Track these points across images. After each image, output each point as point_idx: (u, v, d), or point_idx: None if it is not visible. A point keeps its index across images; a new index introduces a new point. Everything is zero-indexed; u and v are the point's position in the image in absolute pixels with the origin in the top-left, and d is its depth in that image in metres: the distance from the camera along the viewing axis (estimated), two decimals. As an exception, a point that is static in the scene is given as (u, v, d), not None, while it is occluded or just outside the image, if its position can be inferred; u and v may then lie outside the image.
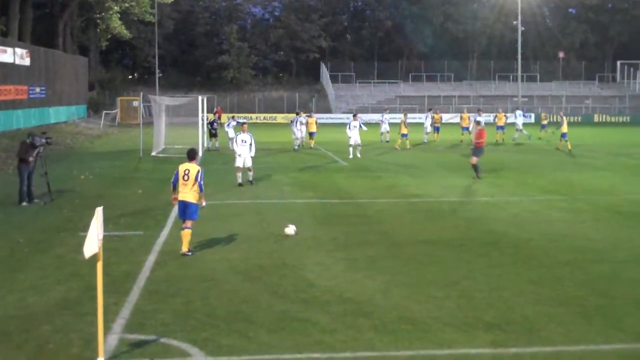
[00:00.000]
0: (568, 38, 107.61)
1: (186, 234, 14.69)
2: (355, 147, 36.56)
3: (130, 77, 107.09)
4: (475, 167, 27.65)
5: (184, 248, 14.63)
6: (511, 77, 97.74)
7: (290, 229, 16.61)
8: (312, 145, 44.01)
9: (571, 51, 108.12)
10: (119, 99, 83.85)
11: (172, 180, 15.24)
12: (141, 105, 59.34)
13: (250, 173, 26.21)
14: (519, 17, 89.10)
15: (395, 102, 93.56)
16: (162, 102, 44.34)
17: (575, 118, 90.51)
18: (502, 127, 47.47)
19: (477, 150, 27.97)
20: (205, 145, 42.01)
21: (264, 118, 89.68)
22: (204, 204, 15.26)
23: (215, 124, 43.33)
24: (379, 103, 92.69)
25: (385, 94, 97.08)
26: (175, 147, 40.26)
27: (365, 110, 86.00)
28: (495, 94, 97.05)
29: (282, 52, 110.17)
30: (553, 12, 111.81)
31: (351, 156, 36.09)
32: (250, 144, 25.89)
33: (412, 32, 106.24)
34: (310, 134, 44.90)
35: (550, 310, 11.05)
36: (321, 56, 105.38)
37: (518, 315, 10.78)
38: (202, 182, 15.00)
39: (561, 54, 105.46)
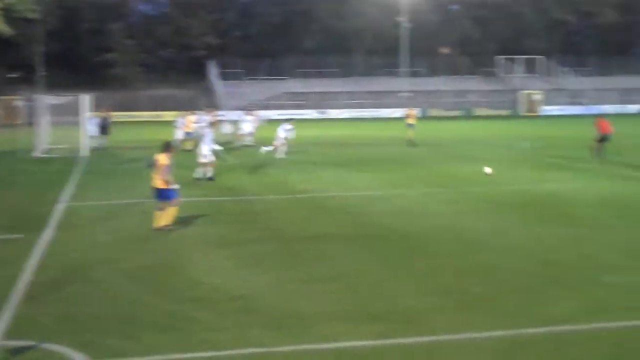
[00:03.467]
0: (451, 34, 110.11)
1: (170, 211, 16.64)
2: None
3: (11, 76, 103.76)
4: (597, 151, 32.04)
5: (164, 222, 16.53)
6: (396, 72, 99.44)
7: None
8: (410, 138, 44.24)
9: (454, 47, 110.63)
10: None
11: (147, 163, 17.58)
12: (23, 105, 57.62)
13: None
14: (403, 14, 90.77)
15: (284, 98, 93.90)
16: (45, 101, 43.14)
17: (458, 112, 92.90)
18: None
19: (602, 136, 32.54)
20: (94, 144, 41.14)
21: (150, 116, 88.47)
22: (175, 186, 17.00)
23: (105, 123, 42.45)
24: (267, 99, 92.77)
25: (273, 91, 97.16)
26: (59, 147, 39.30)
27: (254, 107, 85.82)
28: (381, 90, 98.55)
29: (169, 49, 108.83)
30: (436, 8, 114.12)
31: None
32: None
33: (300, 28, 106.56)
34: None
35: (433, 300, 11.32)
36: (209, 53, 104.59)
37: (402, 306, 11.01)
38: (165, 174, 16.59)
39: (444, 50, 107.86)
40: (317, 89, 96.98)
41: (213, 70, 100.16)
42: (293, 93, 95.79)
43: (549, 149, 38.42)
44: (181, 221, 17.63)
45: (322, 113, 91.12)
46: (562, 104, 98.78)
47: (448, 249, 14.83)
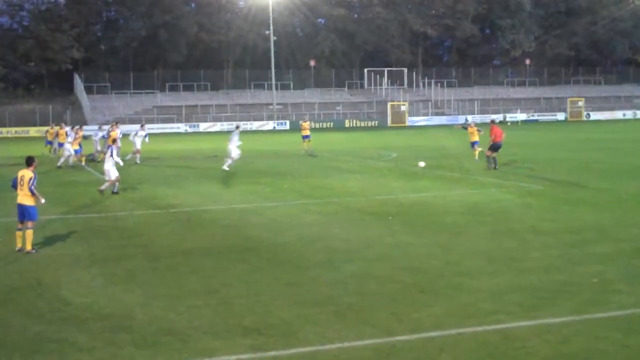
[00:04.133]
0: (318, 47, 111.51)
1: (29, 234, 15.99)
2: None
3: None
4: (490, 159, 32.06)
5: (28, 246, 15.98)
6: (266, 85, 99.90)
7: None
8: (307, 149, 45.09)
9: (322, 59, 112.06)
10: None
11: (11, 184, 16.73)
12: None
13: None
14: (271, 27, 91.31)
15: (153, 112, 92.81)
16: None
17: (328, 124, 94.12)
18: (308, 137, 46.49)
19: (494, 145, 32.10)
20: None
21: (16, 132, 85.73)
22: (42, 201, 16.56)
23: None
24: (136, 114, 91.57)
25: (142, 104, 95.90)
26: None
27: (122, 121, 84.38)
28: (251, 103, 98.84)
29: (32, 64, 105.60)
30: (303, 22, 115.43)
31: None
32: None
33: (167, 41, 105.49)
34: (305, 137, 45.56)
35: (306, 311, 11.44)
36: (75, 67, 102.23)
37: (276, 319, 11.07)
38: (32, 187, 16.16)
39: (312, 62, 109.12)
40: (187, 103, 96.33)
41: (79, 84, 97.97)
42: (162, 107, 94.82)
43: (415, 159, 39.32)
44: (48, 239, 17.21)
45: (193, 127, 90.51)
46: (427, 115, 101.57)
47: (320, 260, 15.00)
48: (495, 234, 17.64)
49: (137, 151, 40.75)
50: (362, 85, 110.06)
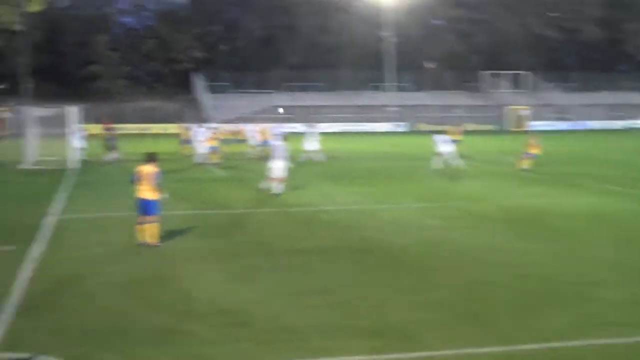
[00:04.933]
0: (436, 49, 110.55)
1: (153, 227, 16.41)
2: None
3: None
4: None
5: (152, 240, 16.39)
6: (383, 87, 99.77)
7: None
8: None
9: (440, 61, 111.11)
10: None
11: (130, 178, 17.10)
12: (10, 116, 57.37)
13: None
14: (389, 29, 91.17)
15: (272, 111, 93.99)
16: (32, 113, 42.99)
17: (446, 127, 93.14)
18: None
19: None
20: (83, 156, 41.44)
21: (138, 129, 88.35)
22: (166, 196, 17.12)
23: (111, 137, 42.48)
24: (254, 113, 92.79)
25: (261, 104, 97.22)
26: (48, 159, 39.19)
27: (242, 120, 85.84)
28: (368, 104, 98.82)
29: (155, 63, 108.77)
30: (421, 23, 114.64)
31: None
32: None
33: (285, 42, 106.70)
34: None
35: (425, 315, 11.33)
36: (196, 66, 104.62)
37: (395, 321, 11.01)
38: (157, 182, 16.60)
39: (430, 64, 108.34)
40: (304, 103, 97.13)
41: (199, 83, 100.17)
42: (280, 106, 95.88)
43: (537, 165, 38.55)
44: (171, 234, 17.62)
45: (310, 127, 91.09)
46: (548, 120, 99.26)
47: (440, 264, 14.85)
48: (620, 242, 17.09)
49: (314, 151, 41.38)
50: (479, 89, 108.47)
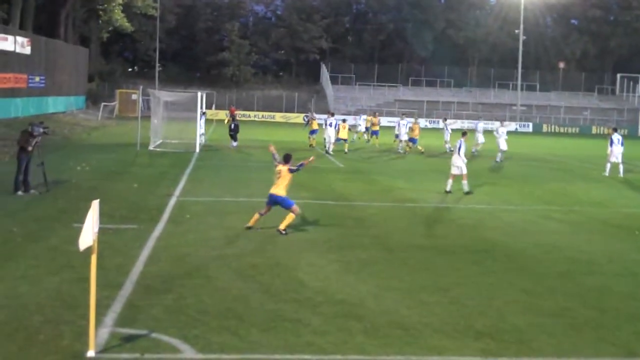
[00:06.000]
0: (569, 48, 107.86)
1: (290, 217, 16.77)
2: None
3: (130, 69, 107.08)
4: None
5: (282, 226, 16.75)
6: (511, 85, 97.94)
7: None
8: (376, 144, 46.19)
9: (571, 62, 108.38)
10: (117, 91, 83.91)
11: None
12: (140, 99, 59.27)
13: None
14: (521, 26, 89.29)
15: (395, 105, 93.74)
16: (161, 96, 44.32)
17: (574, 129, 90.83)
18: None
19: None
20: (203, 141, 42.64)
21: (263, 116, 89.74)
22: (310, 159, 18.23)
23: (233, 125, 43.37)
24: (378, 106, 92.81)
25: (384, 97, 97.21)
26: (173, 142, 40.30)
27: (364, 112, 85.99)
28: (494, 102, 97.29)
29: (282, 52, 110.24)
30: (555, 22, 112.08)
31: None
32: None
33: (413, 36, 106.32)
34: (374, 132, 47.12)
35: (541, 320, 11.05)
36: (321, 57, 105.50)
37: (509, 325, 10.78)
38: (295, 169, 17.14)
39: (561, 65, 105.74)
40: (428, 98, 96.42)
41: (325, 74, 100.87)
42: (404, 100, 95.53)
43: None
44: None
45: (433, 122, 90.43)
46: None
47: (558, 269, 14.45)
48: None
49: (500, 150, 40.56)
50: (613, 91, 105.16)
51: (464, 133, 27.16)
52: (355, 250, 15.47)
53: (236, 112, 50.66)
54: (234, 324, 10.26)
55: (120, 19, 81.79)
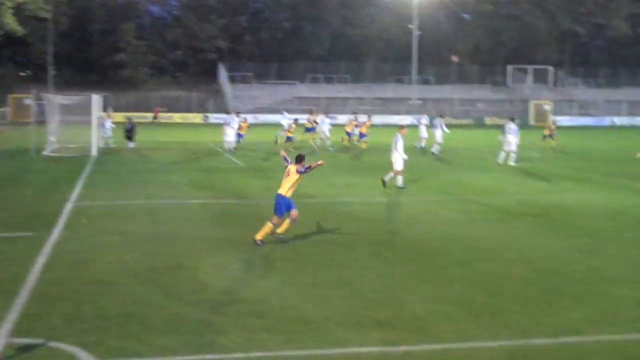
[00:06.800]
0: (462, 42, 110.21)
1: (287, 223, 16.04)
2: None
3: (22, 74, 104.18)
4: None
5: (281, 230, 16.06)
6: (406, 79, 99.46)
7: None
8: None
9: (465, 55, 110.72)
10: (10, 96, 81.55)
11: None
12: (34, 103, 57.73)
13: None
14: (415, 22, 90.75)
15: (293, 103, 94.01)
16: (55, 100, 43.28)
17: (468, 120, 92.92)
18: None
19: None
20: (111, 145, 42.27)
21: (161, 117, 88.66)
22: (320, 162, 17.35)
23: (130, 125, 42.72)
24: (276, 104, 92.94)
25: (283, 95, 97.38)
26: (69, 146, 39.45)
27: (262, 110, 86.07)
28: (391, 97, 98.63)
29: (179, 52, 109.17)
30: (448, 17, 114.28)
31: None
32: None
33: (310, 34, 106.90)
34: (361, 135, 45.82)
35: (440, 308, 11.28)
36: (219, 56, 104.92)
37: (409, 314, 10.96)
38: (303, 171, 16.36)
39: (455, 58, 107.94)
40: (327, 94, 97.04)
41: (223, 73, 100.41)
42: (302, 98, 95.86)
43: (559, 160, 38.40)
44: (188, 223, 17.66)
45: (332, 118, 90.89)
46: (571, 115, 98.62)
47: (456, 258, 14.77)
48: (641, 240, 16.94)
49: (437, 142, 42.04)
50: (505, 83, 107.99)
51: (401, 127, 27.26)
52: (257, 248, 15.46)
53: (160, 112, 49.98)
54: (135, 329, 10.13)
55: (11, 23, 79.43)
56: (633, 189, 26.45)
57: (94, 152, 37.74)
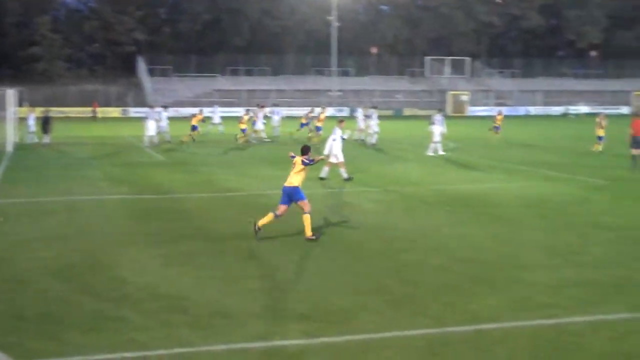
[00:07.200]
0: (380, 34, 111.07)
1: (306, 218, 15.70)
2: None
3: None
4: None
5: (308, 232, 15.65)
6: (327, 71, 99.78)
7: None
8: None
9: (384, 47, 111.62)
10: None
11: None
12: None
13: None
14: (334, 13, 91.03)
15: (214, 96, 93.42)
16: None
17: (387, 112, 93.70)
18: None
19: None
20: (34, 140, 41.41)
21: (79, 112, 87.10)
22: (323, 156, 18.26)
23: (44, 118, 41.78)
24: (197, 97, 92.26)
25: (203, 88, 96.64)
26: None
27: (182, 104, 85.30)
28: (311, 88, 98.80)
29: (97, 45, 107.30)
30: (366, 8, 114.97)
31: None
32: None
33: (230, 25, 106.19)
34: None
35: (361, 299, 11.39)
36: (138, 49, 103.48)
37: (331, 305, 11.04)
38: (307, 162, 16.22)
39: (374, 50, 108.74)
40: (247, 87, 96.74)
41: (141, 66, 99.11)
42: (223, 90, 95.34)
43: (477, 150, 39.06)
44: (108, 219, 17.47)
45: (252, 111, 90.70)
46: (488, 105, 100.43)
47: (377, 248, 14.94)
48: (555, 227, 17.37)
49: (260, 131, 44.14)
50: (422, 74, 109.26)
51: (340, 121, 27.45)
52: (178, 243, 15.37)
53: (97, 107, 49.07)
54: (52, 328, 9.97)
55: None
56: (547, 177, 27.10)
57: (10, 147, 36.87)
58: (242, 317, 10.49)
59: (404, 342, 9.61)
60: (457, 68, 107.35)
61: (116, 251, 14.56)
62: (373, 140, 42.21)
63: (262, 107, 47.83)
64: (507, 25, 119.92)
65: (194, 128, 43.48)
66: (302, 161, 16.19)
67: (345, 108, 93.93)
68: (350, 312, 10.71)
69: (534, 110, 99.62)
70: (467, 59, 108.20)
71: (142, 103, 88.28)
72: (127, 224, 17.47)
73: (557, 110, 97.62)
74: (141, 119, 46.04)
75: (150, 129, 41.04)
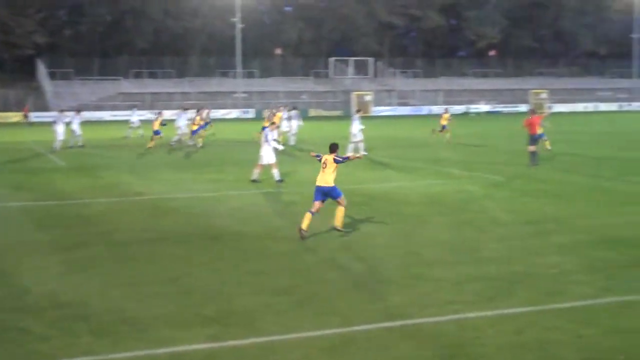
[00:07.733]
0: (285, 35, 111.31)
1: (340, 210, 16.27)
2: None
3: None
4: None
5: (339, 223, 16.31)
6: (231, 73, 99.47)
7: None
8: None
9: (288, 48, 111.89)
10: None
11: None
12: None
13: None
14: (238, 14, 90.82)
15: (118, 99, 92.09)
16: None
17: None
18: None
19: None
20: None
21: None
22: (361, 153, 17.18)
23: None
24: (100, 100, 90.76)
25: (107, 91, 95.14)
26: None
27: (86, 107, 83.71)
28: (216, 91, 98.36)
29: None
30: (270, 10, 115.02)
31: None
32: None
33: (132, 27, 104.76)
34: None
35: (267, 300, 11.41)
36: (38, 52, 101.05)
37: (237, 307, 11.03)
38: (341, 160, 16.52)
39: (278, 51, 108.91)
40: (152, 90, 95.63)
41: (42, 70, 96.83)
42: (127, 94, 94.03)
43: (383, 149, 39.52)
44: (8, 226, 17.07)
45: (157, 114, 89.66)
46: (391, 105, 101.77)
47: (282, 249, 14.98)
48: (456, 224, 17.74)
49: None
50: (328, 75, 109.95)
51: (272, 123, 28.04)
52: (80, 249, 15.12)
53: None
54: (-51, 341, 9.70)
55: None
56: (450, 175, 27.63)
57: None
58: (147, 322, 10.39)
59: (310, 343, 9.64)
60: (361, 68, 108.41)
61: (17, 259, 14.23)
62: (291, 142, 42.74)
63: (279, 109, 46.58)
64: (408, 25, 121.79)
65: (156, 133, 42.09)
66: (335, 159, 16.42)
67: (250, 110, 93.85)
68: (256, 314, 10.72)
69: (436, 109, 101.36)
70: (370, 60, 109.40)
71: (43, 107, 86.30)
72: (28, 232, 17.09)
73: (458, 109, 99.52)
74: (46, 124, 45.02)
75: (60, 133, 40.28)
